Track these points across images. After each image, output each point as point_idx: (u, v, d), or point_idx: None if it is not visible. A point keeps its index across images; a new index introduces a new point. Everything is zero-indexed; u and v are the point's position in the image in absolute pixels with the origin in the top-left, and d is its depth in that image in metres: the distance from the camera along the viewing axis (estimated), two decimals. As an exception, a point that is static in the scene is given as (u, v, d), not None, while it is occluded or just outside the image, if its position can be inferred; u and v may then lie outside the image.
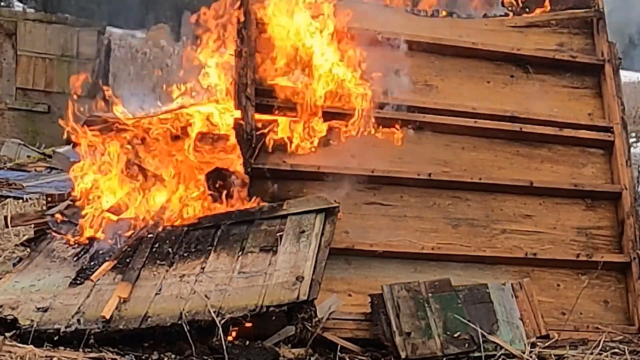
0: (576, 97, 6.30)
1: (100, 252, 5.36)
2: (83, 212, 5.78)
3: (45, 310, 4.71)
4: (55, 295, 4.89)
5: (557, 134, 6.07)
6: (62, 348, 4.41)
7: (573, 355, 4.91)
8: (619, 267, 5.90)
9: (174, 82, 6.49)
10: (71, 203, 6.09)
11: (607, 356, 4.97)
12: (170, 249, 5.18)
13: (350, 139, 5.73)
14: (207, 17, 5.97)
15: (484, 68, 6.20)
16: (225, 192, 5.51)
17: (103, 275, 5.04)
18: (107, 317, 4.59)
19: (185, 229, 5.35)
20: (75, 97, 6.20)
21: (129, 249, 5.25)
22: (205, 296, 4.65)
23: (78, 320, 4.62)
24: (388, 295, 4.91)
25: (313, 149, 5.65)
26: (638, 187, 7.64)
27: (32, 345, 4.31)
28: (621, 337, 5.48)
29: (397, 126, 5.77)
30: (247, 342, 4.51)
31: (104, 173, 6.07)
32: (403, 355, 4.69)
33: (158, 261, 5.09)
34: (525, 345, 4.81)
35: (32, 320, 4.59)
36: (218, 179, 5.60)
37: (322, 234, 5.03)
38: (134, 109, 6.36)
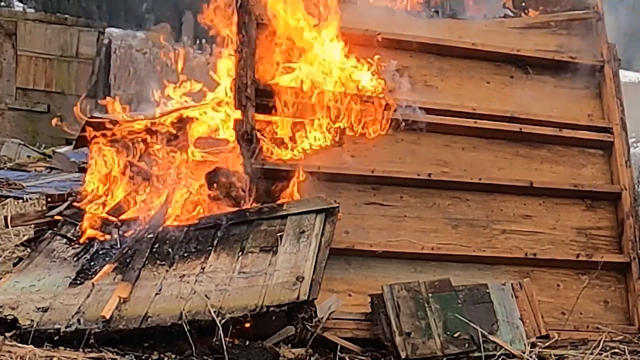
0: (576, 98, 6.31)
1: (100, 252, 5.37)
2: (83, 213, 5.79)
3: (45, 310, 4.71)
4: (55, 295, 4.89)
5: (557, 134, 6.08)
6: (62, 348, 4.41)
7: (573, 355, 4.92)
8: (619, 267, 5.91)
9: (174, 82, 6.49)
10: (71, 203, 6.10)
11: (607, 356, 4.97)
12: (170, 249, 5.18)
13: (350, 139, 5.73)
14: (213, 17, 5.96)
15: (484, 69, 6.21)
16: (225, 192, 5.52)
17: (103, 277, 5.05)
18: (107, 317, 4.58)
19: (185, 229, 5.35)
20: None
21: (129, 249, 5.26)
22: (206, 296, 4.65)
23: (78, 320, 4.61)
24: (388, 295, 4.92)
25: (313, 149, 5.66)
26: (638, 187, 7.65)
27: (32, 345, 4.31)
28: (621, 337, 5.49)
29: (397, 126, 5.77)
30: (247, 342, 4.51)
31: (104, 174, 6.08)
32: (403, 355, 4.69)
33: (158, 261, 5.09)
34: (525, 345, 4.81)
35: (32, 320, 4.59)
36: (218, 179, 5.60)
37: (322, 234, 5.03)
38: (134, 109, 6.36)
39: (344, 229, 5.49)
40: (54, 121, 6.13)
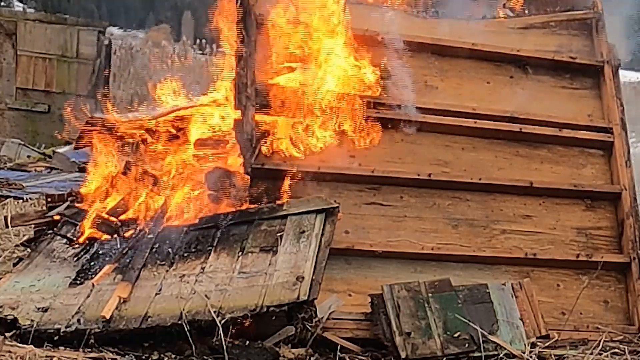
0: (575, 98, 6.31)
1: (100, 252, 5.37)
2: (84, 213, 5.79)
3: (45, 310, 4.72)
4: (55, 295, 4.90)
5: (557, 134, 6.08)
6: (62, 348, 4.41)
7: (573, 355, 4.92)
8: (619, 267, 5.91)
9: (174, 82, 6.49)
10: (71, 203, 6.10)
11: (607, 356, 4.97)
12: (170, 249, 5.19)
13: (350, 139, 5.73)
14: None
15: (484, 69, 6.21)
16: (225, 192, 5.52)
17: (103, 277, 5.05)
18: (107, 317, 4.59)
19: (185, 229, 5.35)
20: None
21: (129, 249, 5.26)
22: (206, 296, 4.65)
23: (78, 320, 4.62)
24: (388, 295, 4.92)
25: (313, 149, 5.66)
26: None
27: (32, 345, 4.31)
28: (621, 337, 5.49)
29: (397, 126, 5.77)
30: (247, 342, 4.52)
31: (104, 174, 6.08)
32: (403, 355, 4.69)
33: (158, 261, 5.09)
34: (525, 345, 4.81)
35: (32, 320, 4.59)
36: (218, 179, 5.60)
37: (322, 234, 5.03)
38: (133, 109, 6.36)
39: (344, 229, 5.49)
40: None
